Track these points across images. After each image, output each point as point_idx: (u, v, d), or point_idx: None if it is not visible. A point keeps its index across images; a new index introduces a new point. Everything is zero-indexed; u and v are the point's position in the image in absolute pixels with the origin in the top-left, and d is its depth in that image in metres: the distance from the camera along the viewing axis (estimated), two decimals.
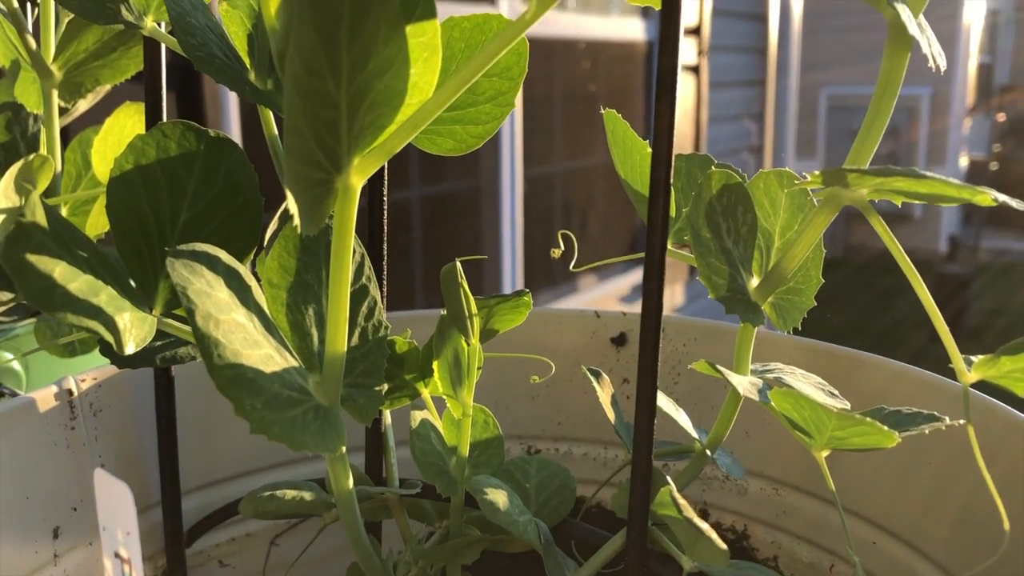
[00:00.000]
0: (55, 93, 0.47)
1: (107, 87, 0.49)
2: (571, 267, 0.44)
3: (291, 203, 0.27)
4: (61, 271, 0.28)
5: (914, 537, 0.40)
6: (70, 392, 0.41)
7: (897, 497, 0.41)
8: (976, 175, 8.43)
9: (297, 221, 0.27)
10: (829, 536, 0.44)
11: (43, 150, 0.48)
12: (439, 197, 3.09)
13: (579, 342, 0.51)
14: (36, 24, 0.48)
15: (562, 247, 0.44)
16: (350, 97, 0.26)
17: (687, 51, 3.91)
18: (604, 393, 0.37)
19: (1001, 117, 9.09)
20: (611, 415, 0.36)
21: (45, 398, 0.40)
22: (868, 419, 0.27)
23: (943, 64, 0.30)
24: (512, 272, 3.25)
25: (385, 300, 0.37)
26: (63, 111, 0.49)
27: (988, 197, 0.28)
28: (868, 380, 0.43)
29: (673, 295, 4.03)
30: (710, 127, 4.15)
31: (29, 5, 0.49)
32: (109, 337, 0.28)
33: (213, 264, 0.30)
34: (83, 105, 0.50)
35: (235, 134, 1.92)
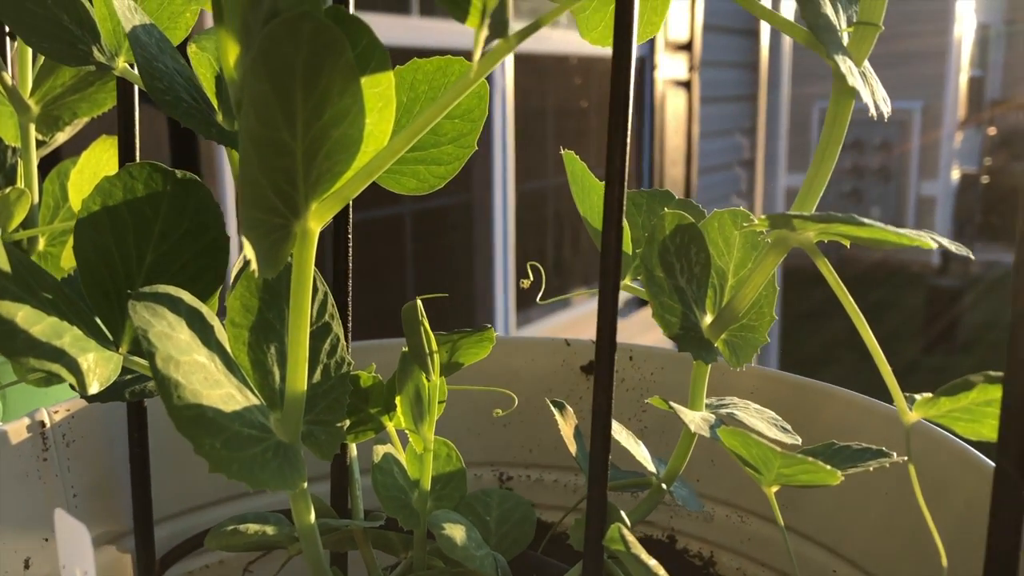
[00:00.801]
0: (32, 127, 0.47)
1: (85, 119, 0.50)
2: (538, 299, 0.44)
3: (248, 249, 0.28)
4: (24, 315, 0.28)
5: (872, 567, 0.41)
6: (42, 424, 0.41)
7: (853, 526, 0.42)
8: (967, 188, 8.47)
9: (255, 266, 0.28)
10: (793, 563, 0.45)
11: (20, 183, 0.49)
12: (431, 212, 3.10)
13: (550, 370, 0.51)
14: (14, 58, 0.49)
15: (531, 278, 0.45)
16: (306, 146, 0.27)
17: (678, 66, 3.94)
18: (566, 425, 0.38)
19: (992, 130, 9.14)
20: (572, 448, 0.37)
21: (17, 430, 0.40)
22: (810, 459, 0.28)
23: (887, 111, 0.31)
24: (504, 286, 3.26)
25: (350, 337, 0.38)
26: (41, 143, 0.50)
27: (929, 242, 0.29)
28: (829, 412, 0.44)
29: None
30: (702, 141, 4.17)
31: (8, 40, 0.49)
32: (72, 379, 0.29)
33: (175, 305, 0.30)
34: (61, 137, 0.50)
35: (227, 162, 1.92)
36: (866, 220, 0.28)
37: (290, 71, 0.25)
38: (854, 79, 0.29)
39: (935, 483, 0.38)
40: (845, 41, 0.31)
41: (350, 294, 0.38)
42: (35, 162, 0.48)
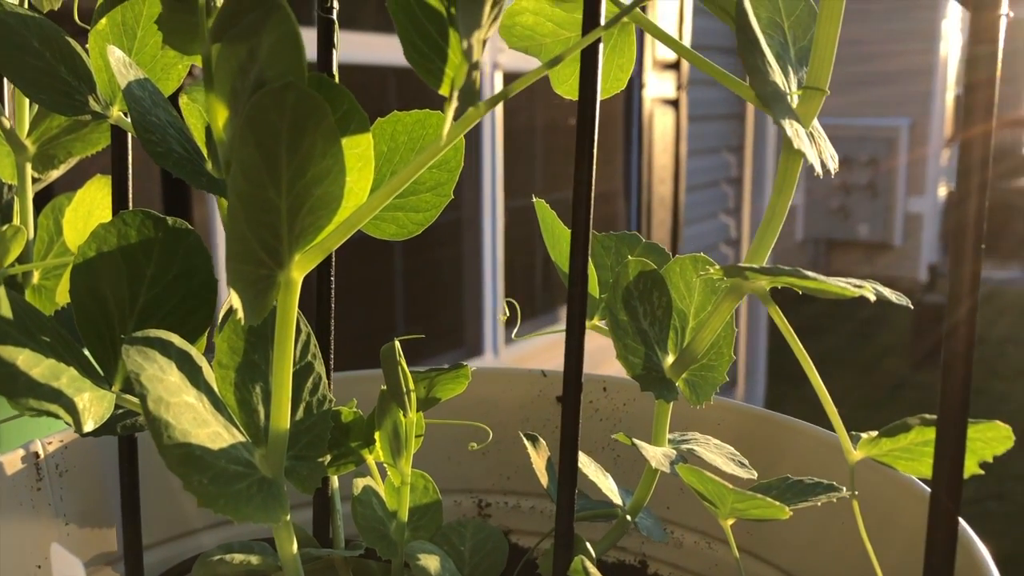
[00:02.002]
0: (29, 166, 0.49)
1: (79, 157, 0.52)
2: (513, 335, 0.46)
3: (234, 299, 0.30)
4: (24, 358, 0.30)
5: None
6: (36, 455, 0.43)
7: (821, 557, 0.44)
8: (954, 206, 8.52)
9: (241, 314, 0.30)
10: None
11: (16, 219, 0.50)
12: None
13: (527, 400, 0.53)
14: (11, 99, 0.50)
15: (507, 312, 0.47)
16: (290, 203, 0.29)
17: (666, 85, 3.98)
18: (538, 458, 0.40)
19: None
20: (544, 480, 0.39)
21: (12, 461, 0.42)
22: (760, 495, 0.30)
23: (833, 167, 0.33)
24: (493, 302, 3.28)
25: (331, 374, 0.39)
26: (35, 180, 0.52)
27: (869, 290, 0.31)
28: (793, 444, 0.46)
29: None
30: (689, 160, 4.21)
31: (6, 82, 0.51)
32: (68, 419, 0.30)
33: (166, 349, 0.32)
34: (55, 174, 0.52)
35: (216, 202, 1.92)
36: (809, 273, 0.30)
37: (275, 136, 0.27)
38: (800, 142, 0.31)
39: (912, 521, 0.40)
40: (795, 103, 0.33)
41: (332, 332, 0.40)
42: (31, 199, 0.50)
